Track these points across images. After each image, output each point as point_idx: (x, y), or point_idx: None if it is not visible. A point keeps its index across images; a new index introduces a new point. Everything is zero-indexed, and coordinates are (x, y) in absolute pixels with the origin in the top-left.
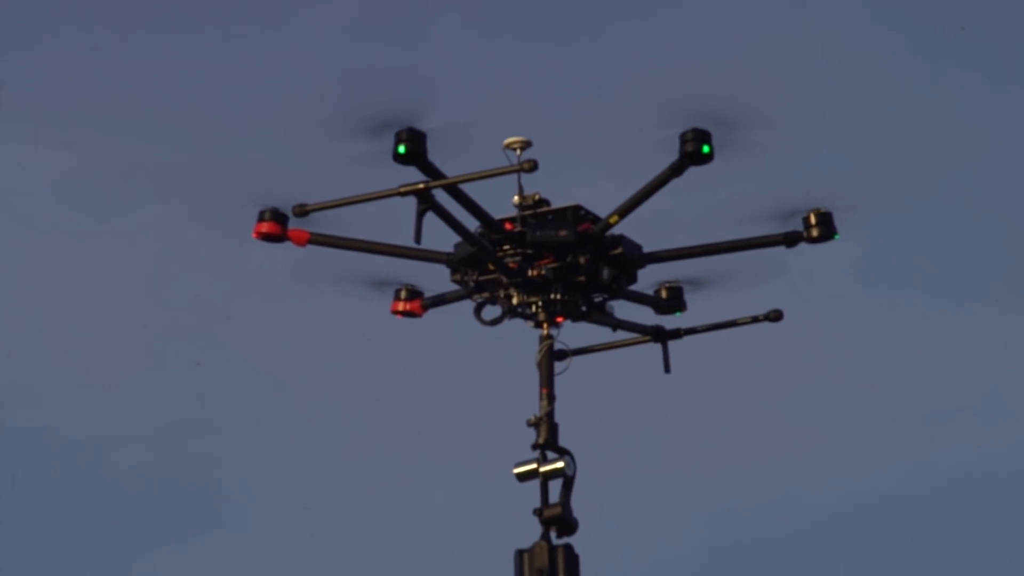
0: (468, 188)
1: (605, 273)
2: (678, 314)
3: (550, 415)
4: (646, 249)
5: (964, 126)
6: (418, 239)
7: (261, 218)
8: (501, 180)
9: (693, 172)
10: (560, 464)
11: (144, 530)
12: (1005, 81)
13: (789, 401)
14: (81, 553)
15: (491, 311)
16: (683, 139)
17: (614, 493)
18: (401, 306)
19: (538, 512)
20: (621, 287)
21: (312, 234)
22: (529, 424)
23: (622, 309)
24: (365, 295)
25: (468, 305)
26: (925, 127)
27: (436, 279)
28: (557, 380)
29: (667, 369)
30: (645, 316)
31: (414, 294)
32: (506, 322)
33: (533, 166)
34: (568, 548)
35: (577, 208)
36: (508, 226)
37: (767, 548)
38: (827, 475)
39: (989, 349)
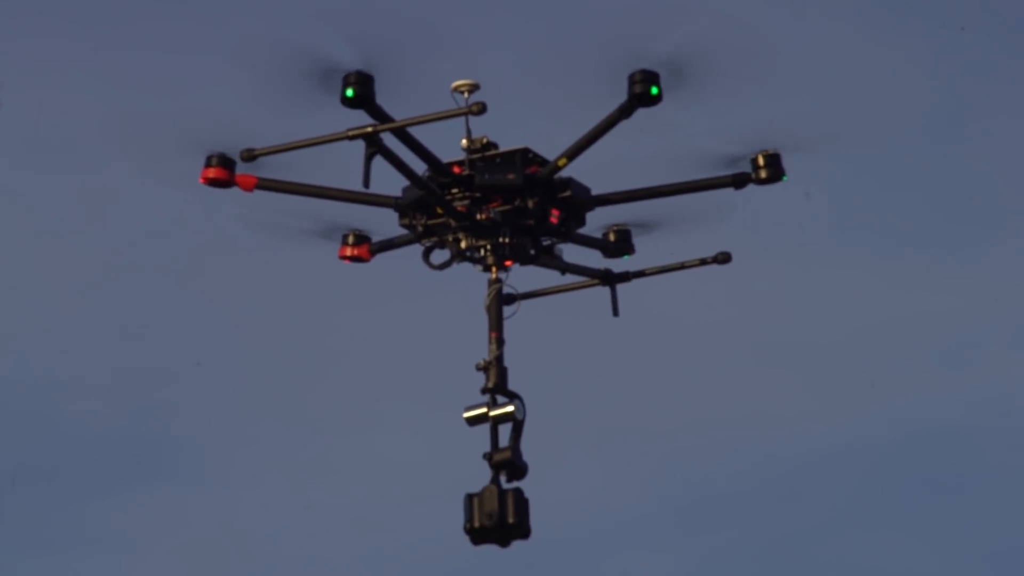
0: (416, 132)
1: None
2: (626, 257)
3: (499, 359)
4: (595, 192)
5: (925, 74)
6: (367, 183)
7: (208, 164)
8: (449, 124)
9: (642, 114)
10: (510, 408)
11: (98, 479)
12: (966, 30)
13: (744, 345)
14: (35, 501)
15: (439, 255)
16: (632, 80)
17: (564, 437)
18: (349, 251)
19: (488, 456)
20: (570, 230)
21: (260, 179)
22: (478, 368)
23: (571, 253)
24: (313, 240)
25: (416, 250)
26: (885, 75)
27: (384, 224)
28: (507, 323)
29: (615, 312)
30: (594, 260)
31: (362, 239)
32: (455, 266)
33: (481, 109)
34: (518, 492)
35: (525, 151)
36: (456, 169)
37: (718, 493)
38: (783, 421)
39: (949, 295)
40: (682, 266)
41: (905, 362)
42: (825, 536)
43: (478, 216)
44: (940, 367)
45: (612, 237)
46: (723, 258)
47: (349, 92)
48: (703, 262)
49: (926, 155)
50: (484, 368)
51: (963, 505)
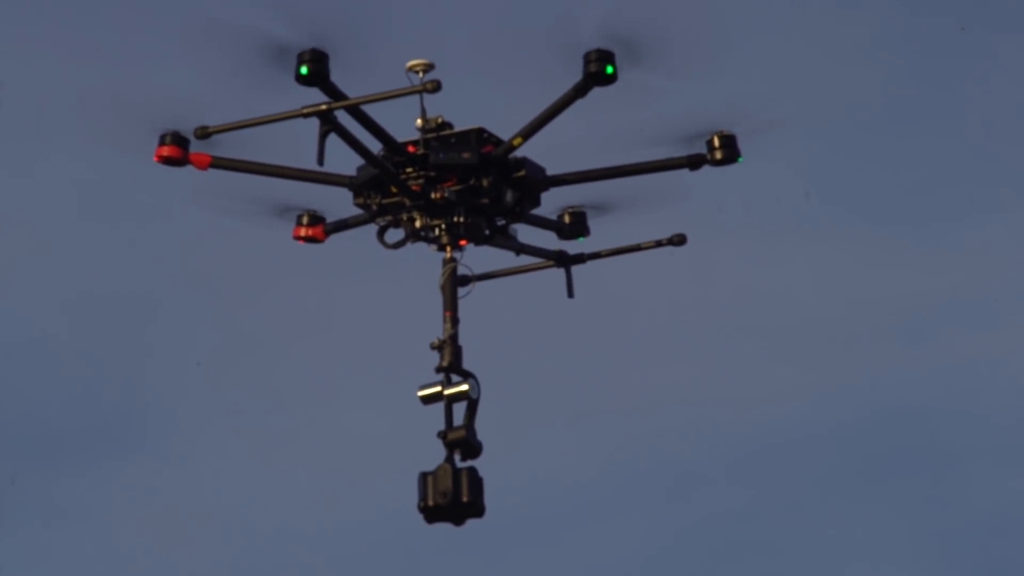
0: (371, 111)
1: (508, 196)
2: (581, 239)
3: (454, 338)
4: (550, 172)
5: (888, 52)
6: (321, 161)
7: (162, 141)
8: (405, 104)
9: (598, 94)
10: (464, 387)
11: (64, 452)
12: (927, 11)
13: (706, 325)
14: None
15: (394, 234)
16: (587, 59)
17: (519, 417)
18: (303, 232)
19: (442, 435)
20: (524, 210)
21: (214, 158)
22: (432, 347)
23: (526, 234)
24: (267, 221)
25: (371, 230)
26: (850, 54)
27: (339, 205)
28: (461, 303)
29: (570, 294)
30: (549, 241)
31: (316, 219)
32: (409, 245)
33: (436, 86)
34: (472, 471)
35: (480, 131)
36: (411, 149)
37: (682, 474)
38: (744, 400)
39: (910, 272)
40: (638, 247)
41: (870, 340)
42: (790, 513)
43: (432, 195)
44: (905, 345)
45: (567, 219)
46: (679, 240)
47: (303, 70)
48: (659, 244)
49: (891, 132)
50: (439, 347)
51: (926, 484)
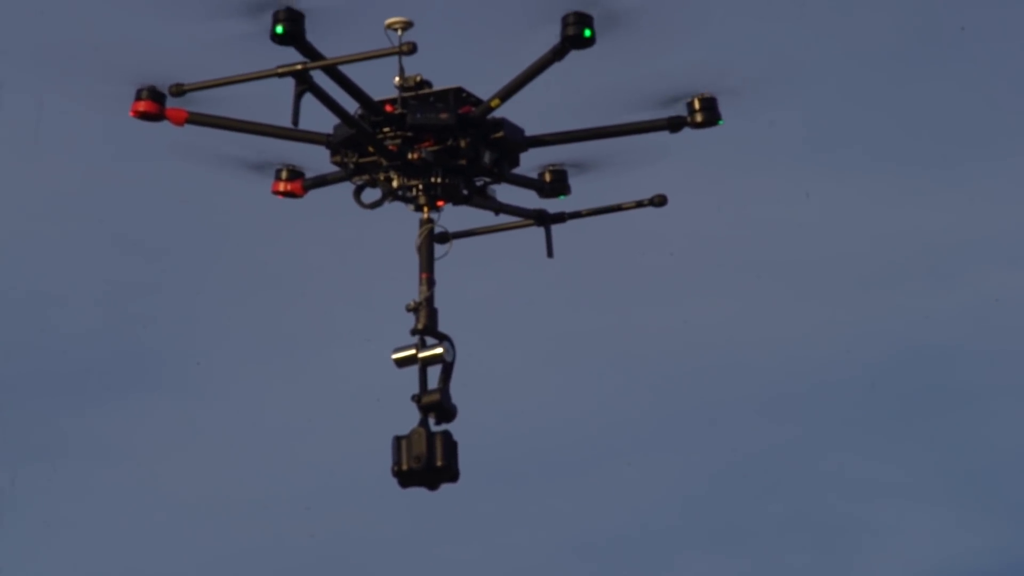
0: (349, 69)
1: (486, 156)
2: (562, 198)
3: (429, 300)
4: (529, 134)
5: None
6: (295, 121)
7: (139, 97)
8: (384, 61)
9: (577, 57)
10: (439, 350)
11: (85, 392)
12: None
13: (726, 266)
14: (21, 415)
15: (371, 194)
16: (565, 22)
17: (495, 379)
18: (282, 186)
19: (416, 398)
20: (503, 171)
21: (191, 114)
22: (408, 309)
23: (506, 193)
24: (245, 176)
25: (351, 187)
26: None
27: (319, 159)
28: (438, 263)
29: (550, 253)
30: (530, 201)
31: (295, 175)
32: (386, 205)
33: (412, 48)
34: (446, 435)
35: (459, 91)
36: (388, 108)
37: (694, 419)
38: (773, 343)
39: (936, 211)
40: (619, 208)
41: (897, 280)
42: (818, 454)
43: (410, 155)
44: (932, 284)
45: (548, 177)
46: (659, 200)
47: (279, 29)
48: (639, 204)
49: (906, 77)
50: (414, 309)
51: (953, 423)
